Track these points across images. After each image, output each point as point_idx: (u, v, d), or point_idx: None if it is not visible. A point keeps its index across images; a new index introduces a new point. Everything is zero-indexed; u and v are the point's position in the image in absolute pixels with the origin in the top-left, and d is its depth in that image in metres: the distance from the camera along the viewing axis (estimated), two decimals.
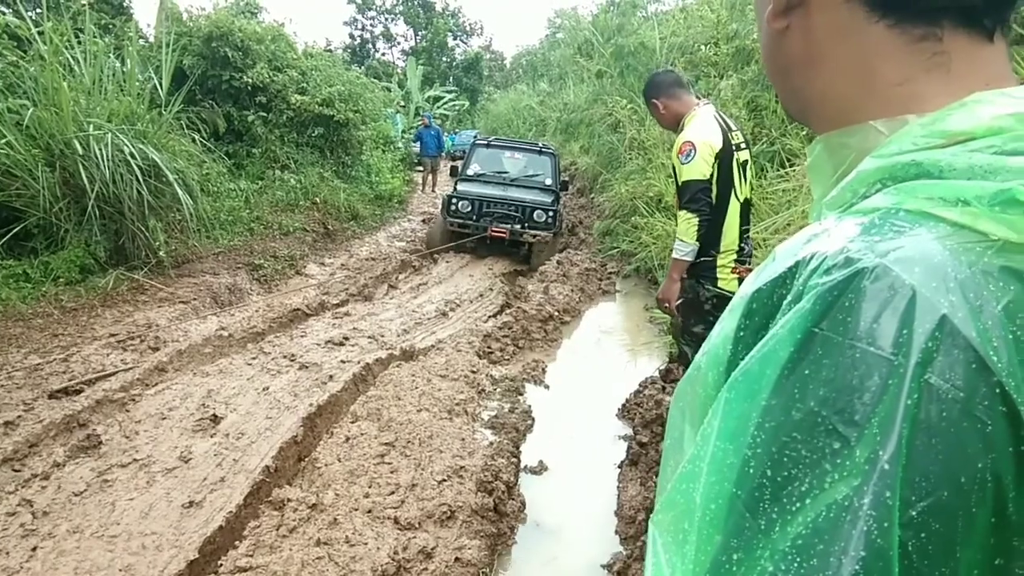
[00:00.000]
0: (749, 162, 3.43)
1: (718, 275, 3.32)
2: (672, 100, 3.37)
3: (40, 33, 7.11)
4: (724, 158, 3.24)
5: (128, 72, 7.73)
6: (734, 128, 3.39)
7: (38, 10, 8.75)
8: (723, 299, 3.34)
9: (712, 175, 3.22)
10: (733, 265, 3.33)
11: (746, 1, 9.49)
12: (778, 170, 5.69)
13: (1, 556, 2.85)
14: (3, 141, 6.11)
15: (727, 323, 0.50)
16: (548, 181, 9.91)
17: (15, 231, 6.19)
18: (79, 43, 7.32)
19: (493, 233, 8.92)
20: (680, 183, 3.25)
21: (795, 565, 0.37)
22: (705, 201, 3.21)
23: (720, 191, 3.27)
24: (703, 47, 9.90)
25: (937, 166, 0.44)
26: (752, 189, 3.51)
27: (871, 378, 0.38)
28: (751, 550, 0.40)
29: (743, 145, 3.38)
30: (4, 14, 8.10)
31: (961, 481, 0.36)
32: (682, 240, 3.25)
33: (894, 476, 0.36)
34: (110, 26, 9.79)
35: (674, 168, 3.36)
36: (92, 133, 6.30)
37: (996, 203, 0.41)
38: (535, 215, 8.92)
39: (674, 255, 3.32)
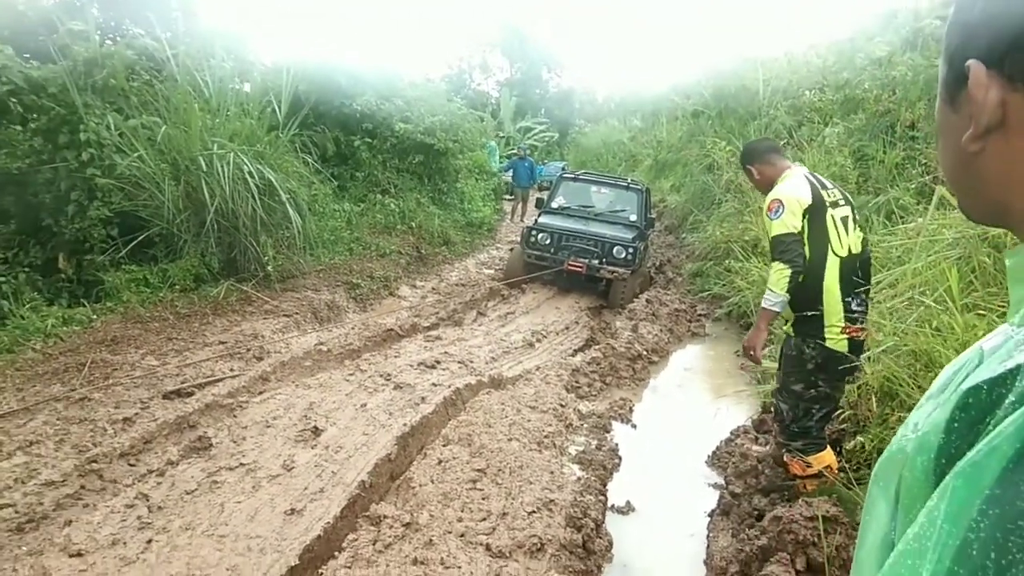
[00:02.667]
0: (851, 217, 3.40)
1: (826, 334, 3.28)
2: (766, 166, 3.47)
3: (174, 55, 7.67)
4: (816, 213, 3.26)
5: (250, 95, 8.23)
6: (829, 187, 3.42)
7: (169, 33, 9.44)
8: (829, 358, 3.29)
9: (803, 229, 3.24)
10: (843, 324, 3.27)
11: (855, 48, 9.32)
12: (884, 224, 5.54)
13: (119, 546, 3.05)
14: (135, 155, 6.59)
15: (937, 415, 0.54)
16: (632, 217, 9.67)
17: (139, 239, 6.66)
18: (208, 66, 7.84)
19: (570, 267, 8.75)
20: (771, 237, 3.29)
21: None
22: (798, 252, 3.22)
23: (814, 247, 3.27)
24: (807, 92, 9.75)
25: None
26: (863, 243, 3.45)
27: None
28: None
29: (840, 202, 3.39)
30: (142, 35, 8.78)
31: None
32: (772, 290, 3.26)
33: None
34: (235, 51, 10.45)
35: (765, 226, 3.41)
36: (216, 152, 6.71)
37: None
38: (614, 251, 8.76)
39: (763, 304, 3.33)
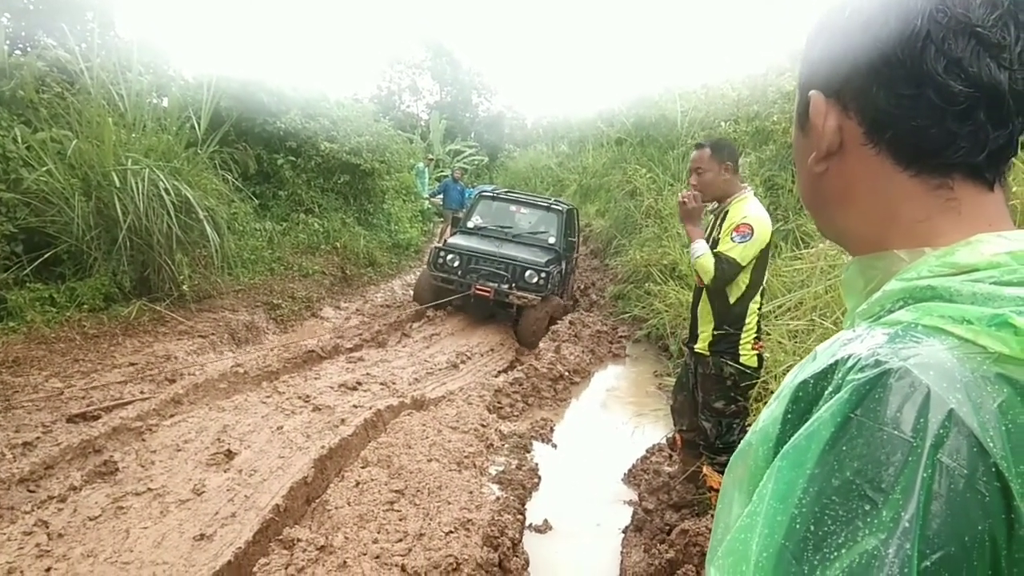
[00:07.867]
0: None
1: (740, 351, 3.46)
2: (731, 174, 3.47)
3: (88, 68, 7.43)
4: (767, 248, 3.41)
5: (169, 110, 8.04)
6: None
7: (84, 44, 9.13)
8: (743, 374, 3.46)
9: (751, 262, 3.36)
10: (753, 342, 3.48)
11: (767, 83, 9.80)
12: (792, 249, 5.83)
13: (15, 574, 2.91)
14: (44, 169, 6.33)
15: (776, 408, 0.61)
16: (552, 240, 9.13)
17: (46, 256, 6.37)
18: (124, 79, 7.63)
19: (477, 291, 8.12)
20: (725, 256, 3.31)
21: None
22: (727, 281, 3.36)
23: (755, 277, 3.42)
24: (723, 123, 10.18)
25: (948, 291, 0.56)
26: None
27: (895, 455, 0.48)
28: None
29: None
30: (55, 47, 8.46)
31: (965, 539, 0.46)
32: (700, 262, 3.34)
33: (913, 532, 0.46)
34: (153, 64, 10.19)
35: (717, 236, 3.44)
36: (130, 167, 6.51)
37: (992, 324, 0.52)
38: (526, 275, 8.16)
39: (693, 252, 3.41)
